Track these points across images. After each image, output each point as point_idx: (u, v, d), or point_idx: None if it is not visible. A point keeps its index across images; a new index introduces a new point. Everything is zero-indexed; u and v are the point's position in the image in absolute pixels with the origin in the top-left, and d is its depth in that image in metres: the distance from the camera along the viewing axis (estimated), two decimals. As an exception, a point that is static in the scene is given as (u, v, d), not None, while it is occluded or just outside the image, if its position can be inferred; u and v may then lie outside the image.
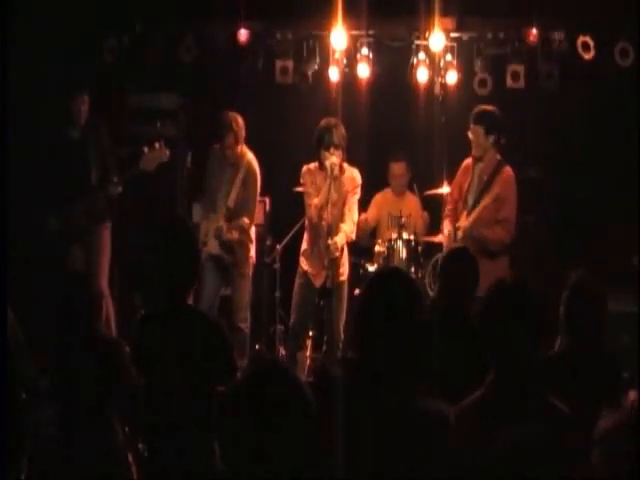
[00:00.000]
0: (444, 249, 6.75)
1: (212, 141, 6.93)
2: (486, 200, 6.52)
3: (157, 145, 6.60)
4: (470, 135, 6.63)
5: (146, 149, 6.59)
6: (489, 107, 6.71)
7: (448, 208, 6.98)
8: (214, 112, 7.02)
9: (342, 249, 6.68)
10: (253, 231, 7.08)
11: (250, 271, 6.94)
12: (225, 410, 2.22)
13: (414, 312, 2.88)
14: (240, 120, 6.77)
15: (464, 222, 6.60)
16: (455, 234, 6.63)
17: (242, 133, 6.77)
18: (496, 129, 6.62)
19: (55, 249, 6.76)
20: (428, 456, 2.77)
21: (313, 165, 6.70)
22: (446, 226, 6.86)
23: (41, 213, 6.79)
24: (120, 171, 6.69)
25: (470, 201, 6.68)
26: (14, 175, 5.58)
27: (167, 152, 6.64)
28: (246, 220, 6.81)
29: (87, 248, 6.82)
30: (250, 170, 6.83)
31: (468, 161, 6.82)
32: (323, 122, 6.57)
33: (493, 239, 6.47)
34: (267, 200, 8.02)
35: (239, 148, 6.79)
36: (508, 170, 6.65)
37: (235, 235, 6.77)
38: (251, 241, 6.99)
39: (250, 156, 6.86)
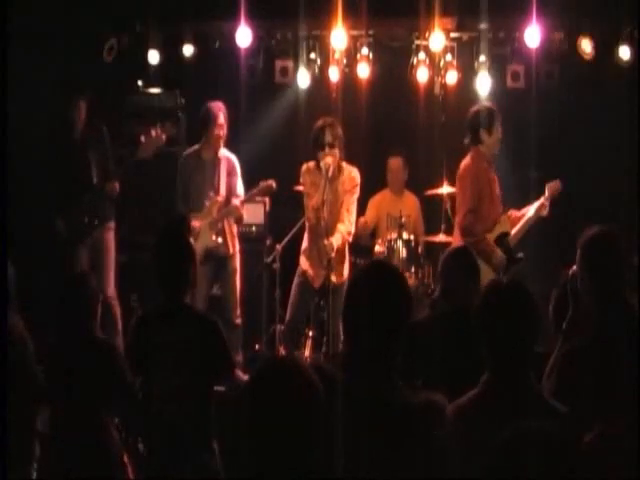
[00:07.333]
0: None
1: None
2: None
3: (153, 132, 6.71)
4: (494, 137, 6.31)
5: (142, 137, 6.70)
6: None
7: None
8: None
9: (341, 249, 6.63)
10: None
11: (239, 266, 7.00)
12: (232, 412, 2.21)
13: (398, 304, 2.84)
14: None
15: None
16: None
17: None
18: None
19: (60, 250, 6.76)
20: (425, 449, 2.76)
21: (312, 164, 6.68)
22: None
23: (47, 215, 6.79)
24: (117, 168, 6.75)
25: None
26: (19, 176, 5.62)
27: (163, 137, 6.75)
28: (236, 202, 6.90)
29: (92, 250, 6.80)
30: (231, 163, 6.91)
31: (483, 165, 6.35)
32: (319, 122, 6.53)
33: None
34: (267, 200, 8.00)
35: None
36: None
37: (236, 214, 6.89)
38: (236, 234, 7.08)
39: (227, 151, 6.94)
